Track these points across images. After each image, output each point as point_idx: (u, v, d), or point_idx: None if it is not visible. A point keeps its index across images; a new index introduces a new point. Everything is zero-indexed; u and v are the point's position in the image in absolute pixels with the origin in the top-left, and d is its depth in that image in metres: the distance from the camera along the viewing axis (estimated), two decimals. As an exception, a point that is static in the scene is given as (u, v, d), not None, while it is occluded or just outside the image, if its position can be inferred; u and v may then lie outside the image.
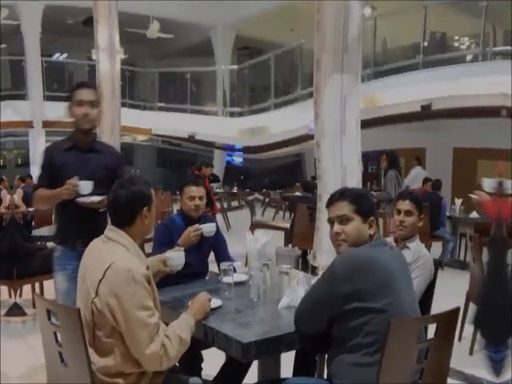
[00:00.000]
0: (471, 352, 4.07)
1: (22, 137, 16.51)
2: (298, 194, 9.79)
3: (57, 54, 19.68)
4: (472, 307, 3.86)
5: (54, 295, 3.17)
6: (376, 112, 11.57)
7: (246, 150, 18.74)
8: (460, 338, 4.20)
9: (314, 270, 3.85)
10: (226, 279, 2.68)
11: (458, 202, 8.38)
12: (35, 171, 11.57)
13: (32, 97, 15.56)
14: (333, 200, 2.33)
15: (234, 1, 14.16)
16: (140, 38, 16.18)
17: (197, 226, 3.26)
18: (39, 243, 5.43)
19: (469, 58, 11.03)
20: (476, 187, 3.83)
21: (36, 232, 6.02)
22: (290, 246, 6.14)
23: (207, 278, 3.38)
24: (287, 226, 6.64)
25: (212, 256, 3.54)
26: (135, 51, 18.43)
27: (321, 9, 4.77)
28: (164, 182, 18.23)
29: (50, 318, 2.10)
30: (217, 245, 3.49)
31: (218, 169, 17.54)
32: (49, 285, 4.11)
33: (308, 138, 11.40)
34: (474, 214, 7.73)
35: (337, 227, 2.26)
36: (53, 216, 5.96)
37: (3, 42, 14.47)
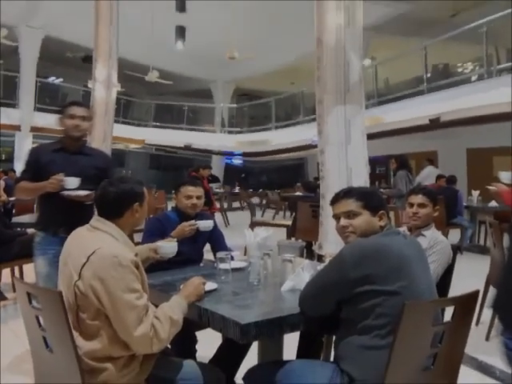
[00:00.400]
0: (487, 338, 4.13)
1: (9, 137, 17.02)
2: (298, 193, 9.71)
3: (52, 78, 20.16)
4: (492, 291, 3.85)
5: (35, 279, 3.24)
6: (383, 127, 12.06)
7: (246, 154, 18.95)
8: (477, 323, 4.30)
9: (320, 259, 3.80)
10: (223, 266, 2.61)
11: (475, 193, 9.03)
12: (19, 166, 11.99)
13: (22, 106, 16.26)
14: (338, 198, 2.29)
15: (233, 63, 14.60)
16: (139, 79, 16.55)
17: (193, 221, 3.18)
18: (19, 229, 5.60)
19: (474, 78, 11.34)
20: (493, 180, 4.15)
21: (16, 219, 6.25)
22: (292, 239, 6.09)
23: (201, 264, 3.29)
24: (288, 223, 6.62)
25: (208, 246, 3.47)
26: (133, 88, 19.10)
27: (320, 67, 4.98)
28: (157, 182, 18.27)
29: (30, 302, 2.08)
30: (213, 237, 3.41)
31: (217, 171, 17.65)
32: (28, 269, 4.17)
33: (311, 147, 11.58)
34: (493, 203, 8.18)
35: (343, 221, 2.23)
36: (35, 205, 6.07)
37: (0, 58, 15.06)
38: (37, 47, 16.10)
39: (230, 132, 19.29)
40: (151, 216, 4.35)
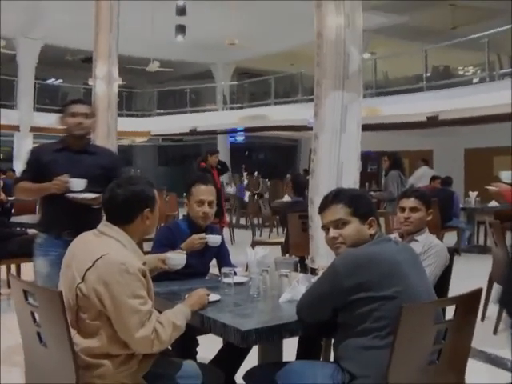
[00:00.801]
0: (495, 332, 4.20)
1: (8, 137, 16.84)
2: (287, 198, 9.70)
3: (51, 79, 20.02)
4: (496, 287, 3.90)
5: (33, 278, 3.20)
6: (380, 119, 11.97)
7: (247, 129, 19.23)
8: (483, 319, 4.38)
9: (313, 272, 3.84)
10: (227, 280, 2.68)
11: (473, 194, 8.84)
12: (18, 166, 11.89)
13: (20, 107, 16.10)
14: (326, 203, 2.25)
15: (234, 46, 14.60)
16: (139, 71, 16.57)
17: (203, 234, 3.14)
18: (18, 229, 5.51)
19: (475, 80, 11.39)
20: (493, 180, 4.04)
21: (15, 219, 6.14)
22: (287, 255, 6.18)
23: (207, 278, 3.30)
24: (282, 240, 6.82)
25: (214, 261, 3.47)
26: (134, 79, 19.01)
27: (320, 54, 4.94)
28: (168, 181, 18.17)
29: (26, 299, 2.08)
30: (220, 253, 3.39)
31: (224, 153, 17.47)
32: (26, 268, 4.21)
33: (307, 128, 11.57)
34: (493, 203, 8.16)
35: (333, 232, 2.20)
36: (37, 205, 6.00)
37: None
38: (35, 55, 16.00)
39: (231, 108, 19.30)
40: (162, 225, 4.30)
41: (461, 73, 12.86)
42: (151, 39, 14.24)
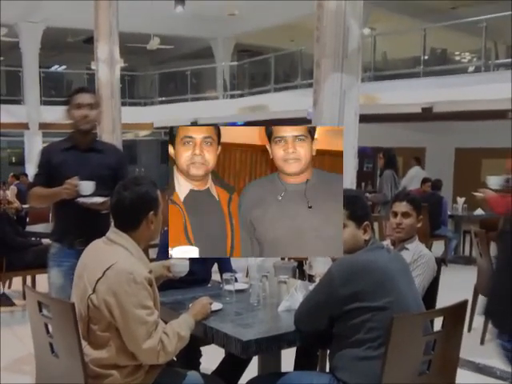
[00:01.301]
0: (482, 342, 4.18)
1: (17, 137, 16.26)
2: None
3: (55, 66, 19.52)
4: (481, 299, 3.89)
5: (47, 289, 3.15)
6: (375, 109, 11.50)
7: (247, 124, 18.65)
8: (469, 329, 4.34)
9: (310, 279, 3.85)
10: (228, 287, 2.70)
11: (461, 200, 8.41)
12: (30, 170, 11.39)
13: (28, 102, 15.40)
14: None
15: (234, 17, 14.24)
16: (140, 49, 16.16)
17: None
18: (33, 239, 5.41)
19: (471, 69, 11.06)
20: (480, 185, 3.99)
21: (30, 228, 5.99)
22: (286, 259, 6.21)
23: (209, 285, 3.31)
24: None
25: (215, 267, 3.48)
26: (135, 60, 18.49)
27: (320, 27, 4.85)
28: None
29: (41, 310, 2.09)
30: (221, 258, 3.39)
31: None
32: (41, 279, 4.13)
33: (307, 121, 11.39)
34: (479, 211, 7.87)
35: None
36: (50, 214, 5.91)
37: (1, 55, 14.48)
38: (38, 40, 15.19)
39: (231, 96, 18.49)
40: (166, 229, 4.30)
41: (457, 58, 12.58)
42: (150, 12, 13.74)
